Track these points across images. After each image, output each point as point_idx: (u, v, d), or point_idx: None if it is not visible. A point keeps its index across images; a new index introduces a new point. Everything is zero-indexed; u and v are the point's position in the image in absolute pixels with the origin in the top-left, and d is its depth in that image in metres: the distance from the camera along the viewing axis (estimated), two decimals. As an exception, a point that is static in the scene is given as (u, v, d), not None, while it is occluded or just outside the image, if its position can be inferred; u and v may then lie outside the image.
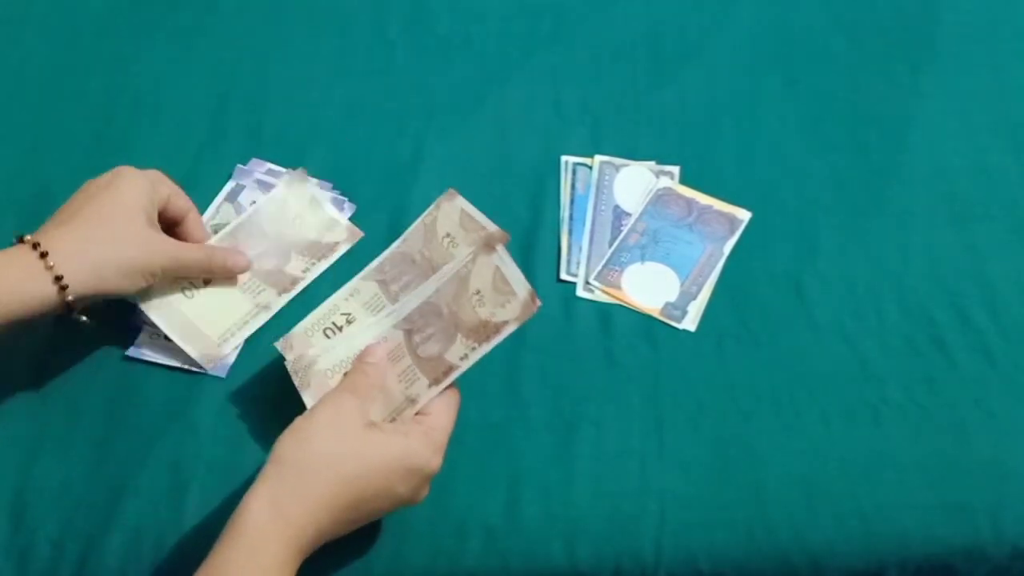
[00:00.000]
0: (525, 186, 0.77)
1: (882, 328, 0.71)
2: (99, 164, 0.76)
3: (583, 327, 0.71)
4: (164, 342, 0.67)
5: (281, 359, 0.66)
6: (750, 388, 0.68)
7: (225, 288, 0.69)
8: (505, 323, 0.61)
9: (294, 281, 0.70)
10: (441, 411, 0.61)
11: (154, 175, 0.67)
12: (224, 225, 0.72)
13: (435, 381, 0.61)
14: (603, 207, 0.76)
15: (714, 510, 0.64)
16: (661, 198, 0.76)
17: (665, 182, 0.77)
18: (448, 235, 0.65)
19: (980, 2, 0.88)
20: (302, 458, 0.55)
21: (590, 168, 0.78)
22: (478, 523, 0.63)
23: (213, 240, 0.70)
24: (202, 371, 0.67)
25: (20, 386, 0.66)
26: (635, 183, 0.77)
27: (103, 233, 0.62)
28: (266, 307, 0.69)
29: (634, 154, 0.79)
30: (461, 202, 0.66)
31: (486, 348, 0.61)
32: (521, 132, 0.80)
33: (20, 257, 0.60)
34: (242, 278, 0.69)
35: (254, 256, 0.70)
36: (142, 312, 0.67)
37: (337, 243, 0.68)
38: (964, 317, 0.71)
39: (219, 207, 0.74)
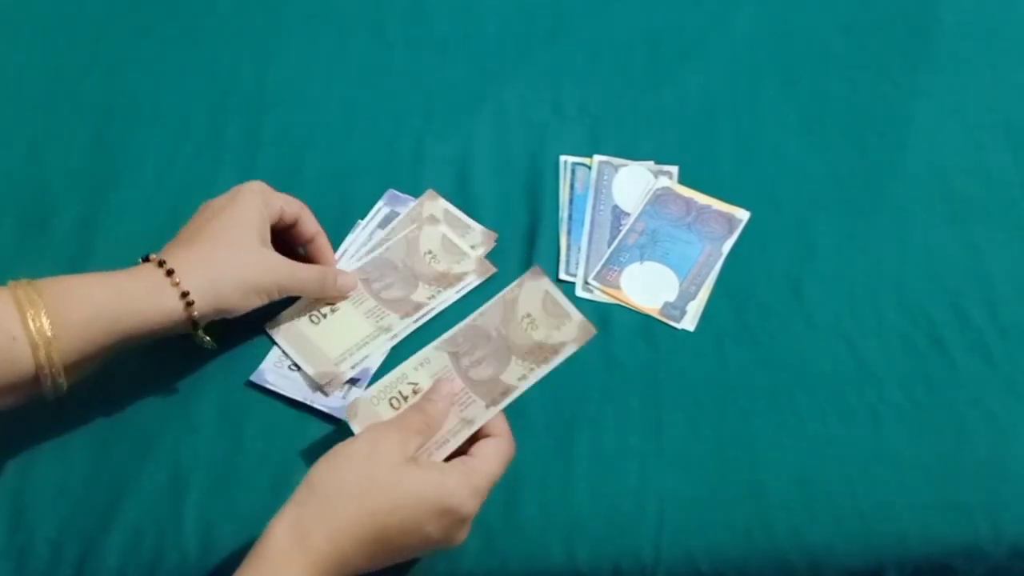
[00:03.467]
0: (524, 186, 0.77)
1: (881, 328, 0.71)
2: (99, 164, 0.77)
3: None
4: (288, 371, 0.67)
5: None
6: (749, 388, 0.68)
7: (350, 315, 0.69)
8: (563, 344, 0.64)
9: (418, 307, 0.70)
10: (489, 456, 0.59)
11: (268, 194, 0.67)
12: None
13: (492, 402, 0.62)
14: (602, 207, 0.76)
15: (713, 510, 0.64)
16: (660, 198, 0.76)
17: (664, 182, 0.77)
18: (528, 315, 0.66)
19: (980, 2, 0.88)
20: (332, 486, 0.54)
21: (589, 168, 0.78)
22: (477, 523, 0.62)
23: (352, 270, 0.71)
24: (321, 409, 0.66)
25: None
26: (634, 183, 0.77)
27: (222, 252, 0.63)
28: (387, 329, 0.69)
29: (633, 154, 0.79)
30: (547, 284, 0.66)
31: (545, 369, 0.63)
32: (520, 132, 0.80)
33: (147, 274, 0.61)
34: (367, 305, 0.69)
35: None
36: (269, 336, 0.68)
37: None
38: (963, 316, 0.71)
39: (372, 233, 0.74)
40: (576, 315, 0.65)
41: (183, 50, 0.84)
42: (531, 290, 0.66)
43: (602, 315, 0.71)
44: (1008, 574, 0.64)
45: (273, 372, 0.67)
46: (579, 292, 0.72)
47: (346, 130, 0.80)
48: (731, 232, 0.75)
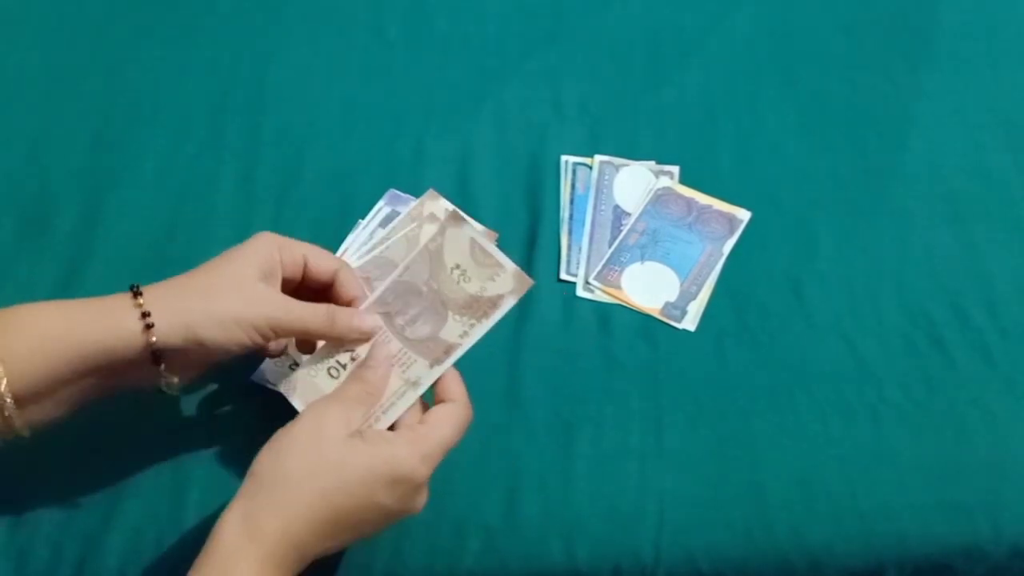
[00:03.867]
0: (524, 186, 0.77)
1: (881, 327, 0.71)
2: (99, 164, 0.77)
3: (583, 327, 0.71)
4: (288, 370, 0.65)
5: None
6: (749, 388, 0.68)
7: None
8: (501, 297, 0.59)
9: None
10: (440, 421, 0.57)
11: (289, 242, 0.61)
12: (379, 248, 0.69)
13: (436, 361, 0.60)
14: (603, 207, 0.76)
15: (713, 510, 0.64)
16: (661, 198, 0.76)
17: (665, 182, 0.77)
18: (458, 267, 0.61)
19: (979, 2, 0.88)
20: (278, 472, 0.53)
21: (590, 168, 0.78)
22: (477, 523, 0.63)
23: (370, 301, 0.62)
24: None
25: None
26: (635, 183, 0.77)
27: (202, 284, 0.58)
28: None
29: (633, 154, 0.79)
30: (470, 231, 0.61)
31: (487, 324, 0.60)
32: (520, 132, 0.80)
33: (114, 298, 0.56)
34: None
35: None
36: (283, 392, 0.62)
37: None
38: (963, 316, 0.71)
39: (373, 232, 0.73)
40: (509, 265, 0.60)
41: (183, 50, 0.84)
42: (455, 238, 0.61)
43: (603, 315, 0.71)
44: (1008, 574, 0.64)
45: (273, 371, 0.67)
46: (580, 292, 0.72)
47: (346, 130, 0.80)
48: (732, 232, 0.75)
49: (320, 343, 0.62)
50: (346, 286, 0.62)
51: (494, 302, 0.60)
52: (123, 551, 0.61)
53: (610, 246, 0.74)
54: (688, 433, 0.66)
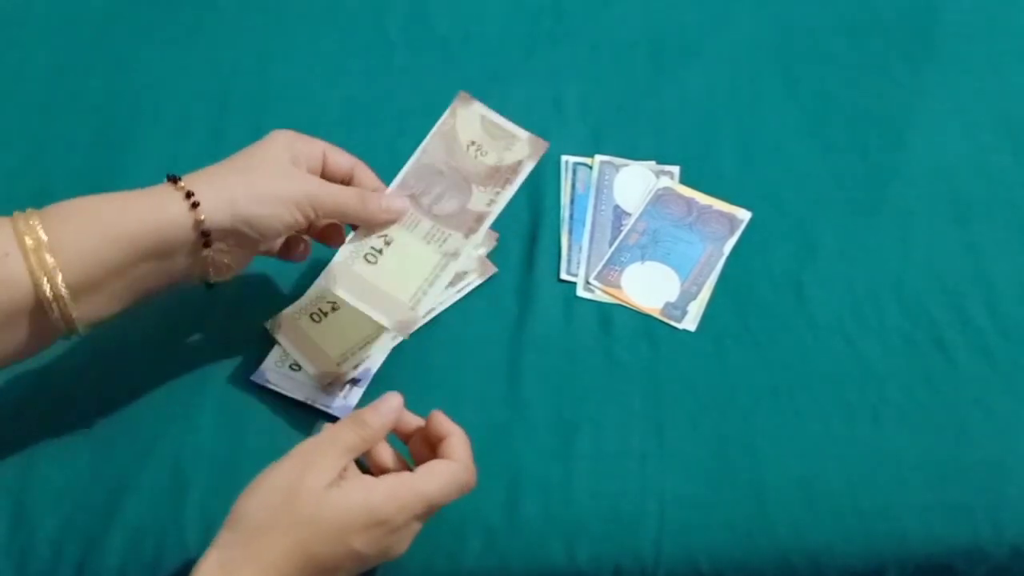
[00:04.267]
0: (525, 186, 0.77)
1: (882, 328, 0.71)
2: (99, 164, 0.77)
3: (583, 327, 0.71)
4: (289, 371, 0.66)
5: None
6: (750, 388, 0.68)
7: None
8: (520, 162, 0.62)
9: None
10: (433, 475, 0.57)
11: (307, 138, 0.63)
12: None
13: (471, 231, 0.61)
14: (603, 207, 0.76)
15: (714, 510, 0.64)
16: (661, 198, 0.76)
17: (665, 182, 0.77)
18: (473, 143, 0.63)
19: (980, 2, 0.88)
20: (256, 519, 0.53)
21: (590, 168, 0.78)
22: (478, 523, 0.63)
23: (393, 186, 0.65)
24: (322, 408, 0.65)
25: (20, 386, 0.66)
26: (635, 183, 0.77)
27: (241, 167, 0.59)
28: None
29: (634, 154, 0.79)
30: (479, 108, 0.64)
31: (511, 190, 0.62)
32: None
33: (158, 188, 0.58)
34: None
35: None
36: (325, 286, 0.62)
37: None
38: (964, 317, 0.71)
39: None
40: (522, 133, 0.63)
41: (184, 49, 0.84)
42: (466, 118, 0.64)
43: (603, 315, 0.71)
44: (1008, 574, 0.64)
45: (274, 371, 0.67)
46: (580, 292, 0.72)
47: (347, 130, 0.80)
48: (732, 232, 0.75)
49: (350, 235, 0.64)
50: (363, 180, 0.64)
51: (514, 168, 0.62)
52: (123, 551, 0.61)
53: (610, 246, 0.74)
54: (688, 433, 0.66)
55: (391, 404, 0.59)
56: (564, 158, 0.78)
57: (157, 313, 0.68)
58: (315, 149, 0.63)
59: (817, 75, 0.84)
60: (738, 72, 0.84)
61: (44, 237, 0.53)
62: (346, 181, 0.64)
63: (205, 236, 0.57)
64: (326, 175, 0.64)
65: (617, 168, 0.78)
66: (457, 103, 0.64)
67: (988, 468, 0.65)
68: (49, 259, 0.53)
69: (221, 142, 0.78)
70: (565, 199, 0.76)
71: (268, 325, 0.68)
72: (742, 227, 0.75)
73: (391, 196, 0.64)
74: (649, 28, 0.86)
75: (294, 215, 0.59)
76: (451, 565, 0.62)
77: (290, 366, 0.67)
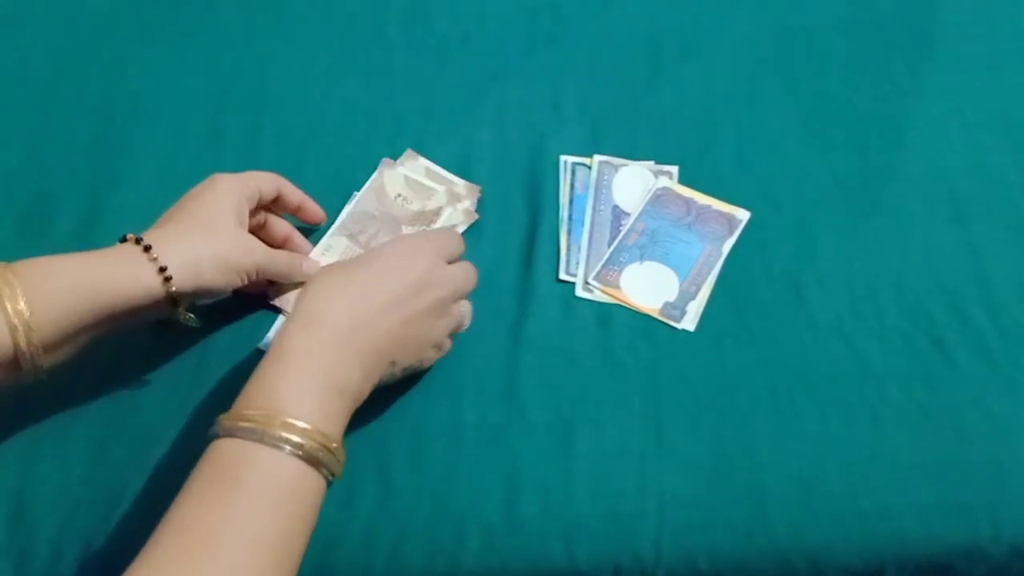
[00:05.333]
0: (524, 186, 0.77)
1: (881, 327, 0.71)
2: (99, 164, 0.77)
3: (582, 327, 0.71)
4: None
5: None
6: (749, 388, 0.68)
7: None
8: (441, 207, 0.74)
9: None
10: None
11: (243, 177, 0.67)
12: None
13: None
14: (602, 207, 0.76)
15: (713, 510, 0.64)
16: (660, 198, 0.76)
17: (664, 182, 0.77)
18: (400, 195, 0.75)
19: (979, 2, 0.88)
20: (320, 299, 0.58)
21: (589, 168, 0.78)
22: (477, 523, 0.63)
23: (331, 230, 0.74)
24: None
25: (20, 386, 0.66)
26: (634, 183, 0.77)
27: (199, 231, 0.63)
28: None
29: (633, 154, 0.79)
30: (403, 170, 0.76)
31: (435, 227, 0.74)
32: (520, 132, 0.80)
33: (125, 252, 0.60)
34: None
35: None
36: (274, 308, 0.71)
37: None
38: (963, 316, 0.71)
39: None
40: (440, 187, 0.75)
41: (183, 49, 0.84)
42: (391, 177, 0.76)
43: (602, 315, 0.71)
44: (1008, 574, 0.64)
45: None
46: (579, 292, 0.72)
47: (346, 130, 0.80)
48: (731, 232, 0.75)
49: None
50: (298, 242, 0.72)
51: (437, 212, 0.74)
52: (123, 551, 0.61)
53: (609, 246, 0.74)
54: (688, 433, 0.66)
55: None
56: (563, 158, 0.78)
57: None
58: (251, 188, 0.67)
59: (816, 75, 0.84)
60: (737, 72, 0.84)
61: (24, 303, 0.56)
62: (295, 210, 0.72)
63: (174, 301, 0.61)
64: (279, 205, 0.70)
65: (616, 168, 0.78)
66: (383, 167, 0.76)
67: (987, 468, 0.65)
68: (29, 322, 0.56)
69: (220, 142, 0.78)
70: (564, 199, 0.76)
71: (271, 292, 0.70)
72: (741, 227, 0.75)
73: (311, 262, 0.71)
74: (648, 28, 0.86)
75: (242, 280, 0.64)
76: (450, 565, 0.62)
77: None
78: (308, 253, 0.72)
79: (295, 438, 0.52)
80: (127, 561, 0.61)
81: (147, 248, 0.60)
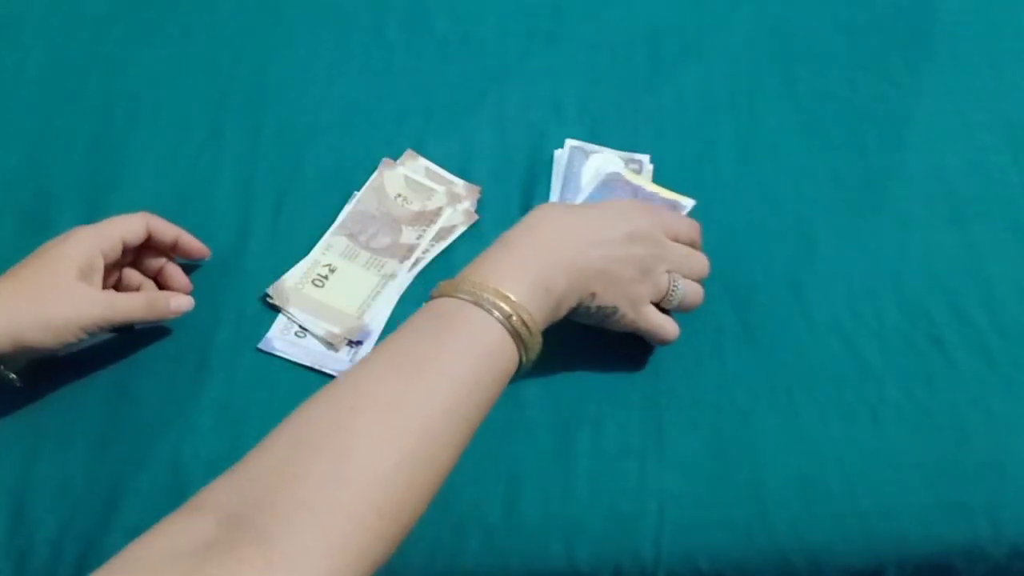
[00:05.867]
0: (524, 186, 0.77)
1: (881, 327, 0.71)
2: (98, 164, 0.77)
3: (581, 326, 0.70)
4: (295, 338, 0.69)
5: (279, 361, 0.66)
6: (749, 387, 0.68)
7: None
8: (441, 207, 0.75)
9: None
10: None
11: (104, 226, 0.66)
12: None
13: (404, 258, 0.72)
14: (569, 194, 0.76)
15: (713, 509, 0.64)
16: (607, 184, 0.76)
17: (613, 168, 0.77)
18: (400, 195, 0.76)
19: (979, 2, 0.88)
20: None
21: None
22: (477, 522, 0.63)
23: (331, 229, 0.74)
24: (329, 373, 0.67)
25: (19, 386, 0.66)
26: (606, 169, 0.77)
27: (26, 293, 0.62)
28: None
29: (633, 153, 0.79)
30: (402, 170, 0.76)
31: (435, 227, 0.74)
32: (520, 132, 0.80)
33: None
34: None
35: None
36: (275, 308, 0.71)
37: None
38: (963, 316, 0.71)
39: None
40: (440, 187, 0.76)
41: (183, 49, 0.84)
42: (391, 177, 0.76)
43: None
44: (1008, 574, 0.64)
45: (280, 339, 0.69)
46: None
47: (346, 130, 0.80)
48: None
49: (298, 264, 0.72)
50: (189, 248, 0.70)
51: (437, 212, 0.75)
52: (123, 551, 0.61)
53: None
54: (688, 433, 0.66)
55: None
56: (557, 152, 0.78)
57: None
58: (113, 236, 0.65)
59: (815, 75, 0.84)
60: (736, 72, 0.84)
61: None
62: (172, 247, 0.70)
63: None
64: (151, 245, 0.69)
65: (587, 154, 0.78)
66: (383, 167, 0.76)
67: (987, 468, 0.65)
68: None
69: (219, 142, 0.78)
70: (554, 196, 0.76)
71: (270, 292, 0.70)
72: (684, 213, 0.74)
73: (178, 297, 0.68)
74: (647, 28, 0.86)
75: (79, 336, 0.63)
76: (450, 564, 0.62)
77: (295, 333, 0.69)
78: (184, 287, 0.70)
79: (506, 307, 0.55)
80: (127, 561, 0.61)
81: None
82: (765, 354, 0.69)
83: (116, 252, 0.66)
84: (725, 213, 0.76)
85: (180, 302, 0.68)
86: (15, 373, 0.64)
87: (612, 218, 0.63)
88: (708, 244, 0.69)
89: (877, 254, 0.74)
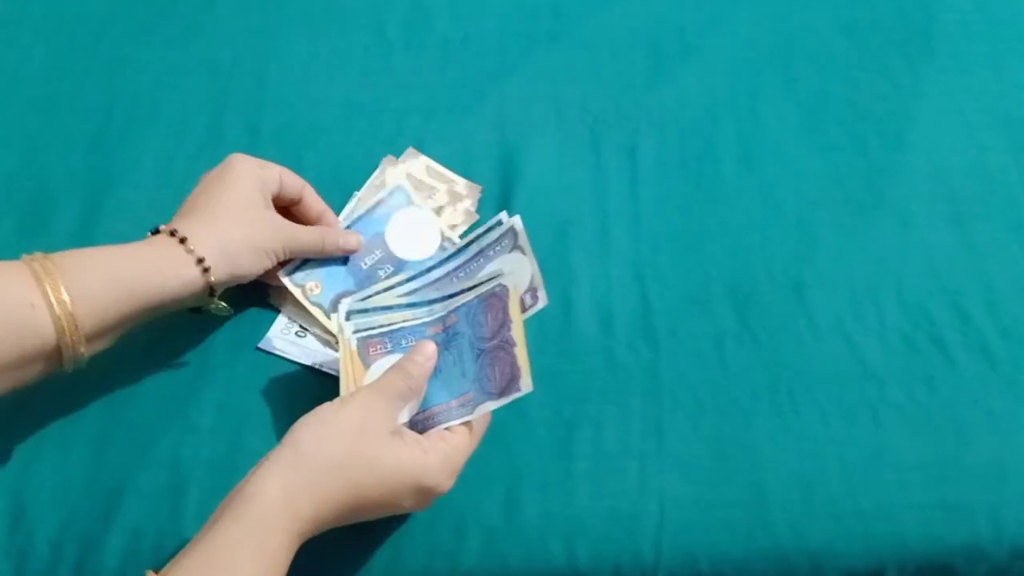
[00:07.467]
0: (524, 185, 0.77)
1: (882, 327, 0.71)
2: (98, 164, 0.77)
3: (583, 327, 0.71)
4: (295, 338, 0.69)
5: (279, 360, 0.66)
6: (750, 388, 0.68)
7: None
8: (441, 207, 0.73)
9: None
10: (466, 433, 0.60)
11: (263, 163, 0.67)
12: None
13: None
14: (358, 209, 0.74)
15: (714, 510, 0.64)
16: (488, 300, 0.64)
17: (400, 189, 0.74)
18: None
19: (979, 1, 0.88)
20: (321, 455, 0.55)
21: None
22: (477, 523, 0.63)
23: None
24: (328, 372, 0.67)
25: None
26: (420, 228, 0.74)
27: (229, 218, 0.63)
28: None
29: (633, 154, 0.78)
30: (404, 167, 0.75)
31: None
32: (520, 132, 0.80)
33: (161, 245, 0.61)
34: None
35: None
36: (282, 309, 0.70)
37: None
38: (963, 316, 0.71)
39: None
40: (441, 186, 0.74)
41: (183, 50, 0.84)
42: (394, 175, 0.74)
43: (603, 315, 0.71)
44: (1008, 574, 0.64)
45: (280, 339, 0.69)
46: (579, 292, 0.72)
47: (346, 130, 0.80)
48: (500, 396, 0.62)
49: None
50: (311, 204, 0.70)
51: (438, 211, 0.73)
52: (123, 551, 0.61)
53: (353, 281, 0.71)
54: (688, 433, 0.66)
55: (427, 352, 0.61)
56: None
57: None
58: (273, 174, 0.67)
59: (816, 75, 0.84)
60: (737, 71, 0.84)
61: (65, 293, 0.56)
62: (295, 201, 0.69)
63: (212, 291, 0.63)
64: (281, 197, 0.68)
65: (410, 201, 0.74)
66: (385, 164, 0.75)
67: (988, 468, 0.65)
68: (72, 312, 0.57)
69: (219, 142, 0.78)
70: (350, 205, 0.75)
71: (271, 292, 0.70)
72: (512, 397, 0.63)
73: (347, 234, 0.70)
74: (648, 28, 0.86)
75: (272, 261, 0.66)
76: (450, 565, 0.62)
77: (295, 333, 0.69)
78: (323, 208, 0.71)
79: None
80: (127, 561, 0.61)
81: (183, 240, 0.61)
82: (766, 354, 0.69)
83: (276, 185, 0.67)
84: (725, 213, 0.76)
85: (350, 239, 0.70)
86: (225, 304, 0.65)
87: (378, 509, 0.58)
88: (708, 244, 0.69)
89: (878, 254, 0.74)
